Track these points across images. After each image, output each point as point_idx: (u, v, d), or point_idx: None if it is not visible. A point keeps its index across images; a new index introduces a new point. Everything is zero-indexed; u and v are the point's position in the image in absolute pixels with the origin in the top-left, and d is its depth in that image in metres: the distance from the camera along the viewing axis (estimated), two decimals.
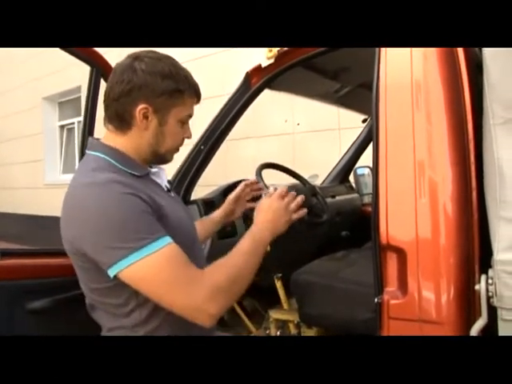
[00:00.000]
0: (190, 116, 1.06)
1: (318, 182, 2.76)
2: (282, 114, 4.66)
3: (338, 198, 2.61)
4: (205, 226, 1.37)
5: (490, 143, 1.01)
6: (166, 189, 1.11)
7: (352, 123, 3.33)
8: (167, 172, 1.17)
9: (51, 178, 7.97)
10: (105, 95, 1.02)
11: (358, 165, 2.93)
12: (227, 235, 1.79)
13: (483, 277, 1.00)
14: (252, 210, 1.20)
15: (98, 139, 1.05)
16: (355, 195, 2.81)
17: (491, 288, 0.98)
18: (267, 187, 1.39)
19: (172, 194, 1.13)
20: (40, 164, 8.11)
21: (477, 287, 1.01)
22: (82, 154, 1.49)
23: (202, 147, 1.68)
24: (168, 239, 0.91)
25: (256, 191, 1.41)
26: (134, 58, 1.00)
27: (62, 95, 7.87)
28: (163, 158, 1.07)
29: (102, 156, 1.00)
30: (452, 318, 1.06)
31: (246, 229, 1.85)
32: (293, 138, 4.75)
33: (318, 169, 3.01)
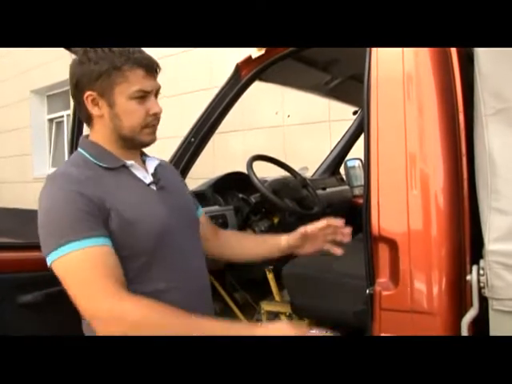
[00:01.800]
0: (144, 91, 1.00)
1: (308, 175, 2.76)
2: (272, 107, 4.64)
3: (328, 190, 2.62)
4: (266, 245, 1.26)
5: (481, 133, 1.01)
6: (148, 182, 1.07)
7: (342, 115, 3.33)
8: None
9: (40, 171, 7.90)
10: None
11: (348, 157, 2.93)
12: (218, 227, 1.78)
13: (474, 267, 1.00)
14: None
15: (87, 136, 1.08)
16: (346, 187, 2.81)
17: (482, 278, 0.98)
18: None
19: (154, 188, 1.08)
20: (28, 158, 8.03)
21: (468, 278, 1.01)
22: (71, 148, 1.49)
23: (193, 139, 1.67)
24: (96, 241, 0.91)
25: (339, 235, 1.22)
26: (78, 55, 1.02)
27: (51, 88, 7.78)
28: (134, 140, 1.04)
29: (81, 151, 1.05)
30: (443, 309, 1.07)
31: (236, 222, 1.85)
32: (282, 130, 4.74)
33: (309, 161, 3.01)
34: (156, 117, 1.03)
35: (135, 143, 1.06)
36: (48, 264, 0.92)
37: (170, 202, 1.09)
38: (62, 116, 7.89)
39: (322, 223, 1.19)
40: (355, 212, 2.66)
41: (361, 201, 2.77)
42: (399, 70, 1.15)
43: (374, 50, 1.19)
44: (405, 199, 1.10)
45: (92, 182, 0.97)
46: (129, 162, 1.05)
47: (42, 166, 8.04)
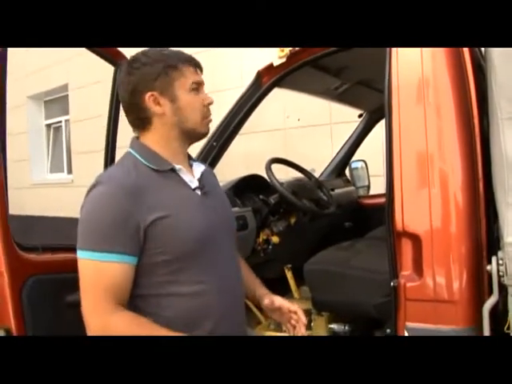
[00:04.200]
0: (198, 83, 1.09)
1: (315, 176, 2.85)
2: (274, 110, 4.73)
3: (336, 191, 2.70)
4: (252, 287, 1.30)
5: (497, 136, 1.11)
6: (193, 186, 1.11)
7: (343, 118, 3.42)
8: None
9: (38, 177, 7.91)
10: (123, 109, 1.12)
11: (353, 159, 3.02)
12: (239, 228, 1.85)
13: (494, 258, 1.09)
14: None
15: (137, 137, 1.12)
16: (352, 188, 2.90)
17: (502, 268, 1.07)
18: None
19: (198, 192, 1.11)
20: (26, 163, 8.03)
21: (488, 268, 1.10)
22: (108, 148, 1.57)
23: (215, 144, 1.75)
24: (120, 257, 0.97)
25: (294, 325, 1.23)
26: (126, 64, 1.09)
27: (48, 94, 7.80)
28: (196, 133, 1.11)
29: (132, 152, 1.09)
30: (464, 298, 1.16)
31: (256, 223, 1.93)
32: (284, 133, 4.82)
33: (311, 163, 3.09)
34: (209, 107, 1.11)
35: (196, 135, 1.12)
36: (78, 256, 1.00)
37: (212, 208, 1.12)
38: (60, 121, 7.90)
39: (294, 307, 1.23)
40: (362, 212, 2.77)
41: (366, 201, 2.89)
42: (418, 77, 1.24)
43: (394, 57, 1.28)
44: (427, 197, 1.19)
45: (139, 192, 1.00)
46: (177, 166, 1.08)
47: (40, 172, 8.04)
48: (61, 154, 7.87)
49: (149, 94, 1.05)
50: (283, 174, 2.41)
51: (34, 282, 1.12)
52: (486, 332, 1.10)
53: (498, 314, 1.13)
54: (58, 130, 8.05)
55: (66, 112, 7.46)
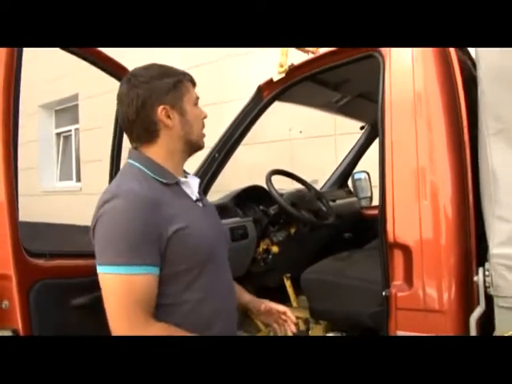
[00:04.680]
0: (198, 98, 1.16)
1: (317, 187, 2.90)
2: (279, 122, 4.79)
3: (338, 201, 2.74)
4: (238, 294, 1.31)
5: (484, 151, 1.15)
6: (195, 198, 1.16)
7: (347, 129, 3.46)
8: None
9: (48, 184, 8.02)
10: (123, 124, 1.12)
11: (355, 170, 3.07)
12: (239, 238, 1.90)
13: (481, 269, 1.13)
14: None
15: (135, 148, 1.13)
16: (354, 199, 2.94)
17: (488, 279, 1.11)
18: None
19: (200, 204, 1.17)
20: (35, 171, 8.16)
21: (475, 278, 1.14)
22: (113, 158, 1.62)
23: (217, 155, 1.80)
24: (145, 269, 0.98)
25: (285, 326, 1.30)
26: (128, 79, 1.10)
27: (59, 103, 7.93)
28: (197, 145, 1.16)
29: (137, 165, 1.10)
30: (453, 307, 1.20)
31: (256, 233, 1.98)
32: (289, 144, 4.88)
33: (315, 174, 3.14)
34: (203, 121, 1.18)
35: (198, 147, 1.17)
36: (98, 271, 0.99)
37: (211, 218, 1.20)
38: (70, 130, 8.02)
39: (283, 308, 1.28)
40: (363, 223, 2.80)
41: (368, 212, 2.92)
42: (410, 91, 1.29)
43: (387, 72, 1.34)
44: (417, 209, 1.24)
45: (157, 204, 1.01)
46: (182, 179, 1.13)
47: (49, 180, 8.16)
48: (70, 162, 7.99)
49: (161, 107, 1.07)
50: (288, 185, 2.46)
51: (41, 286, 1.17)
52: None
53: (485, 324, 1.16)
54: (67, 138, 8.18)
55: (76, 121, 7.58)
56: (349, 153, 3.09)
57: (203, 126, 1.17)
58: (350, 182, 3.11)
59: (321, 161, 4.15)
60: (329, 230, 2.35)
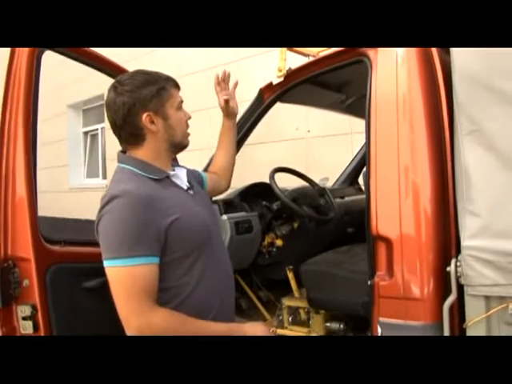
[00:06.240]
0: (181, 101, 1.24)
1: (328, 184, 2.98)
2: (296, 120, 4.87)
3: (346, 198, 2.82)
4: (225, 133, 1.58)
5: (458, 150, 1.23)
6: (185, 187, 1.26)
7: (363, 127, 3.51)
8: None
9: (76, 181, 8.32)
10: (112, 128, 1.21)
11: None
12: (244, 231, 2.03)
13: (453, 260, 1.22)
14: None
15: (124, 152, 1.24)
16: (363, 196, 3.00)
17: (459, 269, 1.20)
18: None
19: (191, 192, 1.27)
20: (64, 169, 8.46)
21: (448, 269, 1.23)
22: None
23: None
24: (148, 259, 1.07)
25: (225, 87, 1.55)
26: (114, 87, 1.18)
27: (86, 103, 8.19)
28: (181, 145, 1.26)
29: (126, 166, 1.19)
30: (430, 296, 1.28)
31: (261, 227, 2.10)
32: (306, 142, 4.95)
33: (331, 172, 3.21)
34: (188, 122, 1.27)
35: (182, 147, 1.27)
36: (104, 265, 1.08)
37: (203, 203, 1.28)
38: (97, 129, 8.27)
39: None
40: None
41: None
42: (393, 94, 1.37)
43: (373, 75, 1.42)
44: (397, 204, 1.32)
45: (152, 200, 1.10)
46: (171, 173, 1.23)
47: (77, 177, 8.44)
48: (96, 160, 8.24)
49: (145, 114, 1.16)
50: (298, 182, 2.56)
51: (56, 268, 1.35)
52: (446, 327, 1.22)
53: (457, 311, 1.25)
54: (94, 137, 8.42)
55: (102, 120, 7.80)
56: (359, 150, 3.16)
57: (187, 127, 1.27)
58: (360, 180, 3.19)
59: (337, 159, 4.21)
60: (336, 226, 2.45)
